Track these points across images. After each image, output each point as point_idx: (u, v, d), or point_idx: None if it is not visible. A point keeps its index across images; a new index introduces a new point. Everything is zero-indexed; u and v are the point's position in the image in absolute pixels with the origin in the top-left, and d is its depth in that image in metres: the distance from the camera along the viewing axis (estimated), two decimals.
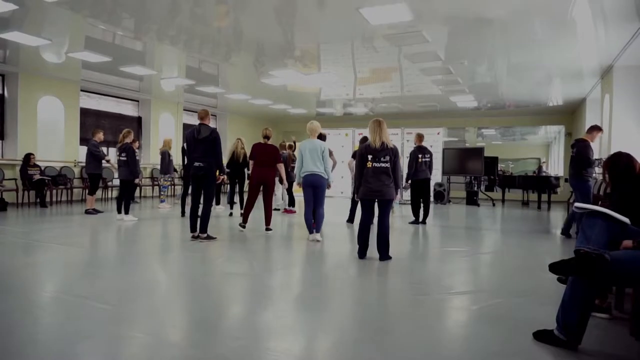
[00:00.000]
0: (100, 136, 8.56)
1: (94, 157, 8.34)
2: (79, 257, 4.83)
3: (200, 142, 5.62)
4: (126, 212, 7.57)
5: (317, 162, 5.83)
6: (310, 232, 5.94)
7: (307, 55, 8.33)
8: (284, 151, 9.54)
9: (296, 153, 7.02)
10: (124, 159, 7.62)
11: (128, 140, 7.75)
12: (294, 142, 10.37)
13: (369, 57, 8.29)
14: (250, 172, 6.61)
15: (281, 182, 7.50)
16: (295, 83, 10.77)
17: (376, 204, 4.83)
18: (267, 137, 6.63)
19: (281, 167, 6.66)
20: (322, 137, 7.18)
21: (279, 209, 9.54)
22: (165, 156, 9.91)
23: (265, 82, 10.63)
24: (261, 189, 6.55)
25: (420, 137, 8.09)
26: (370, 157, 4.72)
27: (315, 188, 5.88)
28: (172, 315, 3.06)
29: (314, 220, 5.92)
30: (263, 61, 8.78)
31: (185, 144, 8.19)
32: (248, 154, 7.07)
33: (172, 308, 3.21)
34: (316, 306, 3.30)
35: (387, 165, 4.68)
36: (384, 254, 4.76)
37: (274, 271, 4.42)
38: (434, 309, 3.27)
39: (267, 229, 6.56)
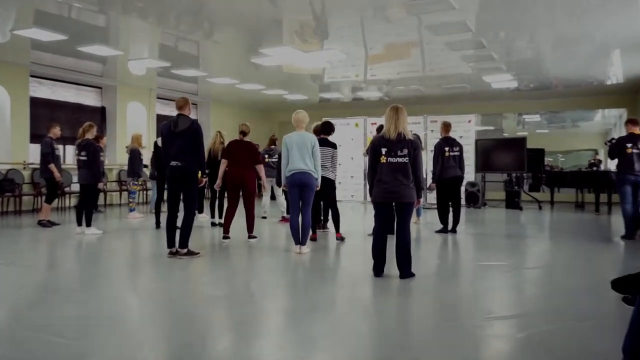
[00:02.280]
0: (56, 131, 8.58)
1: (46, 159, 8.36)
2: (30, 280, 4.82)
3: (178, 135, 5.62)
4: (88, 224, 7.59)
5: (306, 158, 5.89)
6: (296, 242, 6.01)
7: (306, 29, 8.32)
8: (273, 146, 9.60)
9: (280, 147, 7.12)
10: (84, 158, 7.64)
11: (89, 135, 7.77)
12: None
13: (382, 29, 8.26)
14: (220, 172, 6.87)
15: (261, 187, 7.57)
16: (293, 63, 10.76)
17: (394, 209, 4.81)
18: (243, 132, 6.86)
19: (260, 169, 6.83)
20: (329, 128, 7.21)
21: (265, 217, 9.58)
22: (135, 155, 9.93)
23: (256, 62, 10.63)
24: (241, 193, 6.76)
25: (446, 127, 8.08)
26: (384, 150, 4.69)
27: (303, 187, 5.93)
28: (143, 351, 3.04)
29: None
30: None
31: (158, 139, 8.23)
32: None
33: (144, 342, 3.19)
34: (322, 337, 3.27)
35: (406, 160, 4.65)
36: (406, 271, 4.73)
37: (270, 293, 4.40)
38: (469, 338, 3.23)
39: (250, 237, 6.84)
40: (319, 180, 6.07)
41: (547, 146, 15.82)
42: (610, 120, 18.93)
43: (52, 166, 8.30)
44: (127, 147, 10.32)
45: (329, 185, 6.90)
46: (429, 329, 3.43)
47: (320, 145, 6.82)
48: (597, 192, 11.85)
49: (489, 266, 5.55)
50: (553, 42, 9.11)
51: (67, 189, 11.46)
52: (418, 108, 15.68)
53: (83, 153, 7.65)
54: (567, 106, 15.99)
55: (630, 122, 7.50)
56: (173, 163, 5.66)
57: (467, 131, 13.61)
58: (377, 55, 10.17)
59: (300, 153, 5.88)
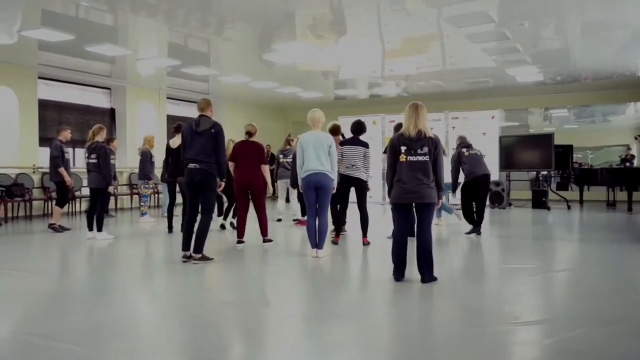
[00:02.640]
0: (66, 134, 8.71)
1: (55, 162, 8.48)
2: (42, 288, 4.90)
3: (199, 136, 5.67)
4: (99, 229, 7.68)
5: (322, 158, 5.89)
6: (313, 245, 6.03)
7: (321, 24, 8.34)
8: (288, 146, 9.64)
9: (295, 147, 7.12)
10: (94, 161, 7.74)
11: (99, 138, 7.87)
12: None
13: (400, 22, 8.26)
14: (232, 175, 6.89)
15: (274, 189, 7.56)
16: (307, 60, 10.79)
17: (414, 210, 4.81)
18: (249, 133, 6.88)
19: (265, 170, 6.82)
20: (360, 128, 7.18)
21: (280, 220, 9.64)
22: (146, 157, 10.03)
23: (269, 59, 10.68)
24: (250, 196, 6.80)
25: (461, 138, 8.39)
26: (404, 148, 4.69)
27: (319, 189, 5.93)
28: (157, 358, 3.09)
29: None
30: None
31: (171, 141, 8.31)
32: None
33: (158, 349, 3.24)
34: (340, 345, 3.28)
35: (426, 158, 4.65)
36: (428, 274, 4.72)
37: (287, 299, 4.43)
38: (494, 344, 3.22)
39: (266, 240, 6.85)
40: (335, 182, 6.07)
41: (576, 142, 15.64)
42: None
43: (62, 170, 8.42)
44: (139, 148, 10.43)
45: (359, 185, 6.88)
46: (452, 335, 3.42)
47: (351, 144, 6.83)
48: (630, 189, 11.68)
49: (515, 269, 5.52)
50: (582, 31, 9.01)
51: (77, 193, 11.62)
52: (438, 104, 15.61)
53: (93, 156, 7.75)
54: (597, 100, 15.77)
55: None
56: (191, 165, 5.67)
57: (490, 127, 13.54)
58: (395, 50, 10.16)
59: (315, 153, 5.88)
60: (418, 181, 4.63)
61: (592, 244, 7.32)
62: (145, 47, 10.08)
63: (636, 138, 9.81)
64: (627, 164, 15.13)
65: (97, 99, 13.17)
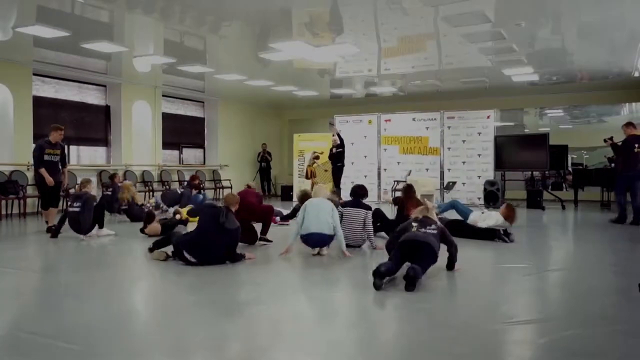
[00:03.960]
0: (56, 136, 8.26)
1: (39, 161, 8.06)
2: (38, 285, 4.90)
3: None
4: (100, 226, 7.66)
5: (324, 220, 5.95)
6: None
7: (317, 22, 8.34)
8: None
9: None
10: (77, 209, 7.44)
11: (87, 189, 7.73)
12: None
13: (397, 21, 8.27)
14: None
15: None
16: (304, 58, 10.79)
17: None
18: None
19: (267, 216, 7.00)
20: (363, 192, 7.00)
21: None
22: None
23: (265, 57, 10.67)
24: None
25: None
26: (415, 224, 5.06)
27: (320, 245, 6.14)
28: (157, 356, 3.08)
29: None
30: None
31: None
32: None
33: (156, 347, 3.24)
34: (342, 344, 3.29)
35: (435, 232, 5.06)
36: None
37: (284, 297, 4.44)
38: (489, 343, 3.24)
39: (262, 239, 6.94)
40: (342, 245, 6.00)
41: (571, 142, 15.68)
42: (639, 115, 18.71)
43: (42, 170, 8.01)
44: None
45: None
46: (447, 334, 3.43)
47: (351, 207, 6.69)
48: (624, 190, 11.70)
49: (510, 269, 5.54)
50: (578, 31, 9.03)
51: (72, 191, 11.58)
52: (434, 104, 15.65)
53: (77, 204, 7.47)
54: (592, 100, 15.83)
55: None
56: None
57: (485, 127, 13.59)
58: (392, 49, 10.16)
59: (317, 215, 5.97)
60: (425, 234, 4.99)
61: (586, 243, 7.35)
62: (141, 44, 10.05)
63: (605, 141, 9.99)
64: (613, 164, 15.14)
65: (92, 96, 13.12)
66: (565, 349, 3.08)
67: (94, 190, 8.19)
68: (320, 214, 5.96)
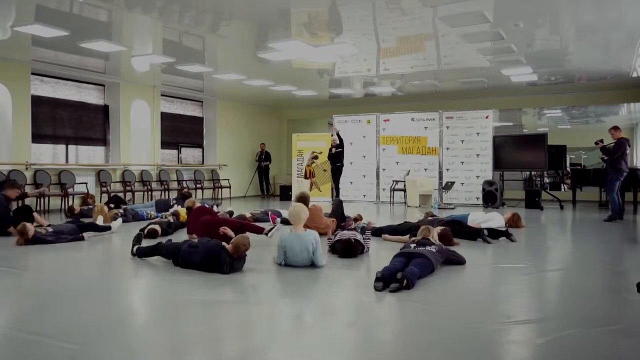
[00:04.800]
0: (12, 193, 7.89)
1: None
2: (36, 284, 4.88)
3: None
4: None
5: (306, 257, 5.32)
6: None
7: (316, 21, 8.34)
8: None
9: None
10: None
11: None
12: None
13: (395, 21, 8.27)
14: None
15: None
16: (303, 58, 10.79)
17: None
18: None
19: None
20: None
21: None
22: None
23: (264, 57, 10.67)
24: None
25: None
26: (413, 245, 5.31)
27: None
28: (156, 355, 3.09)
29: None
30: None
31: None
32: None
33: (155, 346, 3.24)
34: (341, 343, 3.30)
35: (434, 250, 5.20)
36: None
37: (281, 298, 4.43)
38: (487, 343, 3.24)
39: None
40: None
41: (569, 142, 15.72)
42: (637, 115, 18.76)
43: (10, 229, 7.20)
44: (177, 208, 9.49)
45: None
46: (445, 334, 3.43)
47: None
48: (622, 190, 11.72)
49: (507, 269, 5.53)
50: (576, 32, 9.05)
51: (70, 190, 11.58)
52: (433, 103, 15.67)
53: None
54: (590, 100, 15.84)
55: None
56: None
57: (484, 127, 13.61)
58: (390, 49, 10.17)
59: (298, 250, 5.29)
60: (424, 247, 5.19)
61: (584, 243, 7.36)
62: (139, 44, 10.05)
63: (597, 143, 10.03)
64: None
65: (91, 96, 13.11)
66: (564, 349, 3.08)
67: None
68: (303, 252, 5.29)
